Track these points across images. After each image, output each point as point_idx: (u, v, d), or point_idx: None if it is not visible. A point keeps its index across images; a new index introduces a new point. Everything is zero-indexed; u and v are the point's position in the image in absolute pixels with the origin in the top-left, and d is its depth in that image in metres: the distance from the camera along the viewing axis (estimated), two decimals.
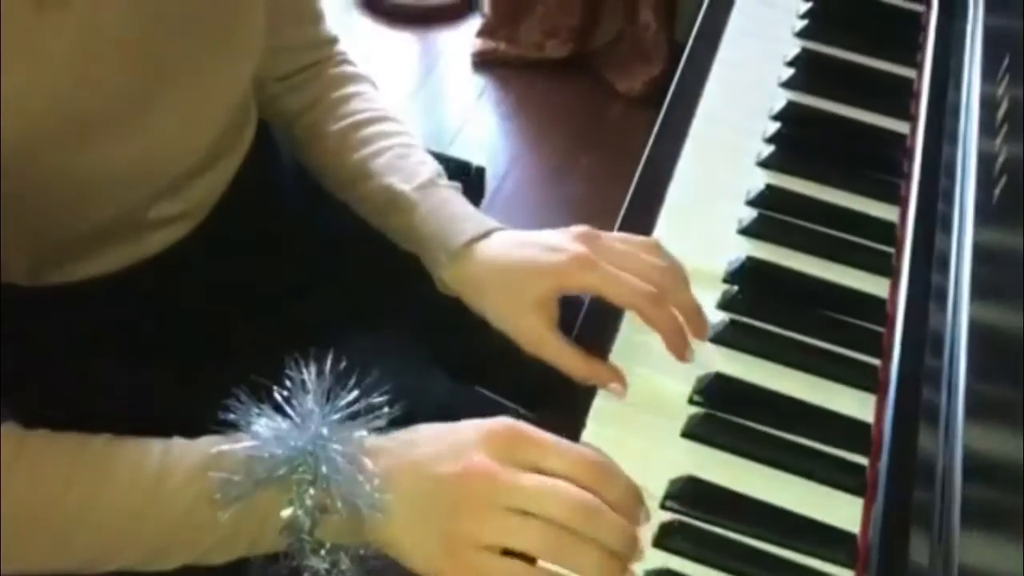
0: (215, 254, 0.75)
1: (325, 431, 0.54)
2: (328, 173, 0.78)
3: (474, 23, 2.20)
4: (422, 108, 2.10)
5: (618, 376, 0.65)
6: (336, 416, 0.55)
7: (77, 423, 0.58)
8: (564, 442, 0.57)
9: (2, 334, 0.66)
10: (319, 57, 0.81)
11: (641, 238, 0.69)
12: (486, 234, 0.68)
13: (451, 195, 0.72)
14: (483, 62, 2.15)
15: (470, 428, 0.57)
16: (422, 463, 0.56)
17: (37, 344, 0.72)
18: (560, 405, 0.65)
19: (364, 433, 0.55)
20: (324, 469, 0.53)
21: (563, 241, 0.66)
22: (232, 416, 0.54)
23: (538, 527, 0.54)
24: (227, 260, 0.77)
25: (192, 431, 0.57)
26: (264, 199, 0.82)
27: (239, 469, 0.54)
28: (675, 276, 0.66)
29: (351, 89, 0.80)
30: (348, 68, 0.82)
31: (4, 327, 0.67)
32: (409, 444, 0.57)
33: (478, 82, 2.13)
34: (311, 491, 0.53)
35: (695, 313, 0.67)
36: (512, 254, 0.67)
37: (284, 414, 0.55)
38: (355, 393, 0.55)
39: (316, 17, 0.82)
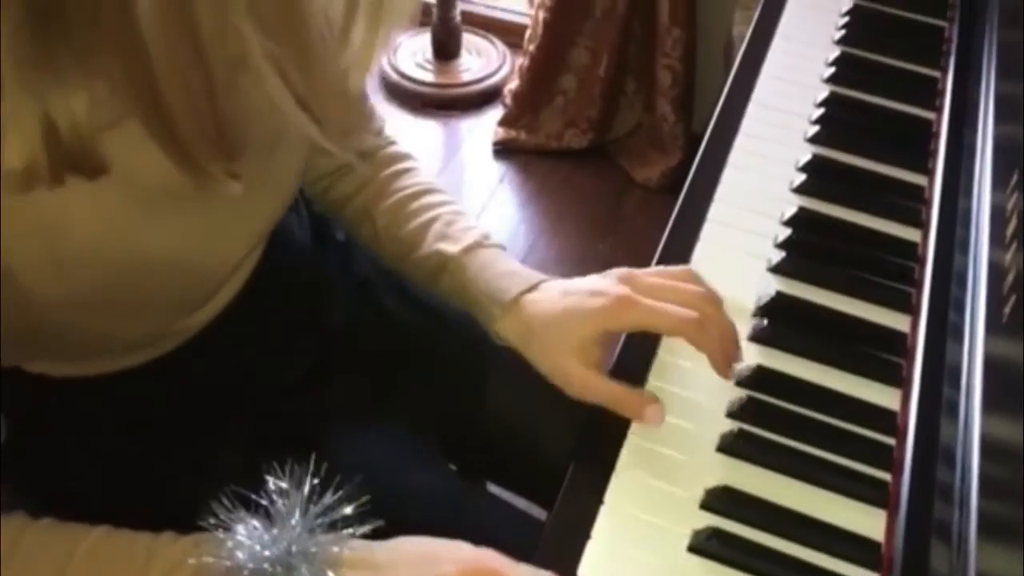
0: (210, 353, 0.75)
1: (294, 548, 0.54)
2: (382, 247, 0.82)
3: (496, 112, 2.24)
4: None
5: (656, 403, 0.67)
6: (317, 522, 0.55)
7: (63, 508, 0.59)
8: None
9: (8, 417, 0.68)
10: (371, 147, 0.85)
11: (676, 268, 0.74)
12: (534, 286, 0.73)
13: (497, 254, 0.77)
14: (504, 150, 2.19)
15: (449, 560, 0.57)
16: None
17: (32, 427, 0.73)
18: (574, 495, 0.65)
19: (338, 549, 0.55)
20: None
21: (605, 285, 0.70)
22: (215, 521, 0.55)
23: None
24: (224, 359, 0.77)
25: (182, 523, 0.58)
26: (267, 297, 0.83)
27: None
28: (712, 301, 0.70)
29: (399, 166, 0.84)
30: (395, 148, 0.86)
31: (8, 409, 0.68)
32: (390, 566, 0.57)
33: (499, 168, 2.17)
34: None
35: (732, 336, 0.70)
36: (558, 303, 0.71)
37: (268, 516, 0.55)
38: (336, 500, 0.55)
39: (374, 118, 0.85)
